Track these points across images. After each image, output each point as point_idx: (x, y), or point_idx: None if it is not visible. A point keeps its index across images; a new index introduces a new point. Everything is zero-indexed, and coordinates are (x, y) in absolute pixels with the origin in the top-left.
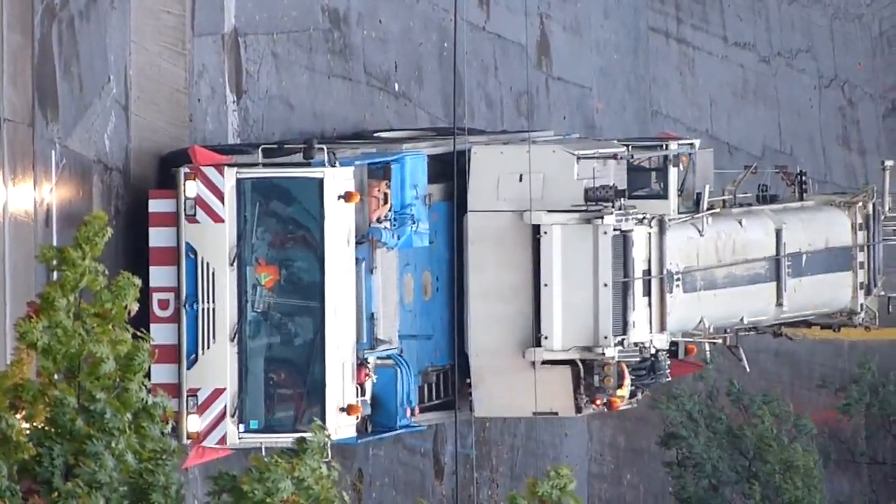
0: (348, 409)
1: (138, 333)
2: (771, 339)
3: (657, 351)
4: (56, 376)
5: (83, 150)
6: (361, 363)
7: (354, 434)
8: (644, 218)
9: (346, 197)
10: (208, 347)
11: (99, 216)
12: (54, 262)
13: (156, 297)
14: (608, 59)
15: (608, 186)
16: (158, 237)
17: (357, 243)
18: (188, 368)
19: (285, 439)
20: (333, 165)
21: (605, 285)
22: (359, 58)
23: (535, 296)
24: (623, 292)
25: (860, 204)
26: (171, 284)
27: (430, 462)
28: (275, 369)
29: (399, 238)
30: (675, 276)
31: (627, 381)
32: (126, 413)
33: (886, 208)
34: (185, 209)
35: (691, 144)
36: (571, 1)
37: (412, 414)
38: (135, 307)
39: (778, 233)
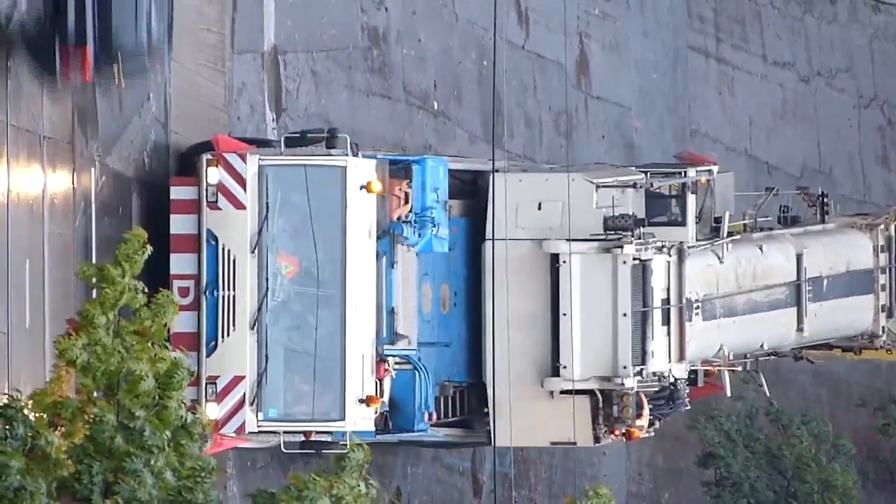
0: (367, 401)
1: (178, 350)
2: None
3: (676, 380)
4: (95, 394)
5: (122, 167)
6: (381, 359)
7: (372, 428)
8: (663, 246)
9: (368, 187)
10: (228, 335)
11: (138, 234)
12: (94, 280)
13: (176, 284)
14: (647, 79)
15: (627, 215)
16: (179, 224)
17: (378, 238)
18: (207, 356)
19: (304, 428)
20: (356, 155)
21: (625, 315)
22: (398, 76)
23: (553, 325)
24: (642, 322)
25: (882, 226)
26: (191, 272)
27: (469, 481)
28: (294, 358)
29: (420, 238)
30: (695, 305)
31: (646, 411)
32: (165, 431)
33: None
34: (206, 196)
35: (709, 170)
36: (611, 20)
37: (430, 419)
38: (174, 325)
39: (799, 258)
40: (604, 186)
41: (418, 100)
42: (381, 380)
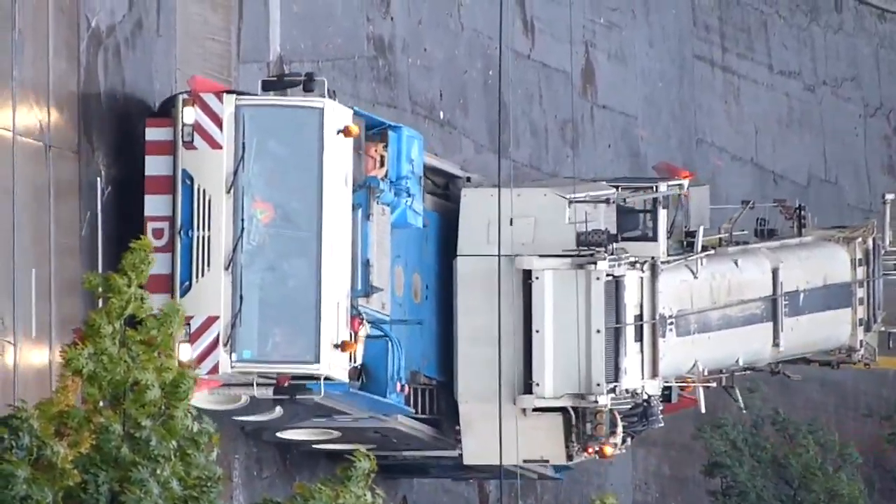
0: (342, 346)
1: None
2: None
3: (650, 396)
4: (101, 403)
5: (128, 176)
6: (356, 314)
7: (346, 379)
8: (636, 262)
9: (346, 131)
10: (202, 275)
11: (144, 243)
12: (100, 289)
13: (150, 226)
14: (653, 88)
15: (600, 231)
16: (154, 166)
17: (354, 190)
18: (181, 296)
19: (278, 370)
20: (333, 99)
21: (598, 331)
22: (404, 86)
23: (525, 342)
24: (615, 338)
25: (860, 239)
26: (166, 213)
27: (475, 490)
28: (269, 300)
29: (396, 201)
30: (668, 320)
31: (620, 428)
32: (171, 440)
33: (887, 242)
34: (182, 136)
35: (680, 184)
36: (616, 29)
37: (402, 390)
38: (181, 335)
39: (775, 272)
40: (576, 202)
41: (424, 109)
42: (355, 333)
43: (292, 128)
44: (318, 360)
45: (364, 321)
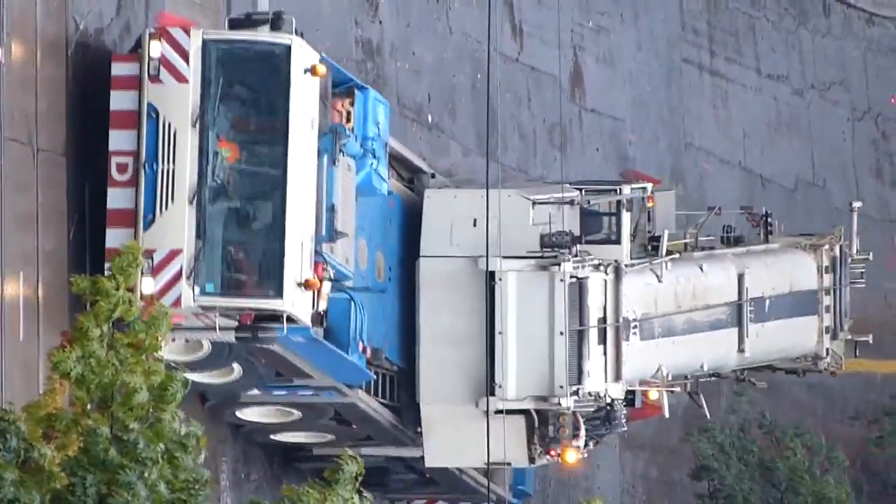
0: (305, 284)
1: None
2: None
3: (613, 400)
4: (89, 406)
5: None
6: (320, 260)
7: (309, 322)
8: (600, 265)
9: (313, 70)
10: (166, 208)
11: (133, 246)
12: (87, 292)
13: (114, 160)
14: (641, 92)
15: (564, 233)
16: (119, 100)
17: (320, 136)
18: (144, 230)
19: (241, 304)
20: (301, 37)
21: (561, 333)
22: (392, 89)
23: (488, 343)
24: (578, 341)
25: (826, 246)
26: (130, 148)
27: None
28: (234, 234)
29: (361, 166)
30: (632, 324)
31: (582, 431)
32: (159, 443)
33: (854, 250)
34: (148, 69)
35: (643, 188)
36: (605, 33)
37: (364, 351)
38: (168, 338)
39: (740, 277)
40: (540, 203)
41: (412, 112)
42: (319, 278)
43: (259, 64)
44: (280, 296)
45: (328, 267)
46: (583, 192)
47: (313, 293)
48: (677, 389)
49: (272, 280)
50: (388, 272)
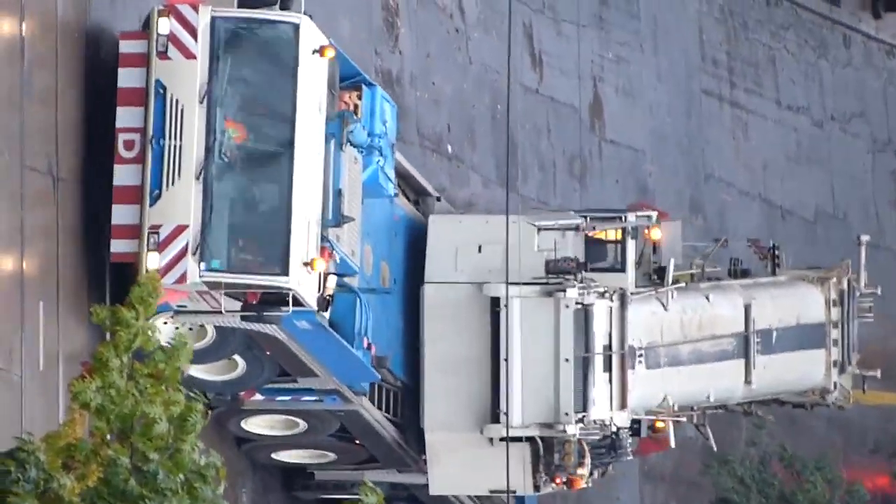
0: (311, 263)
1: (192, 395)
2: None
3: (618, 429)
4: (109, 436)
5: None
6: (326, 245)
7: (314, 306)
8: (605, 292)
9: (322, 51)
10: (172, 184)
11: (152, 277)
12: (107, 323)
13: (121, 137)
14: (661, 122)
15: (570, 259)
16: (127, 78)
17: (327, 121)
18: (151, 205)
19: (247, 280)
20: (311, 18)
21: (567, 360)
22: (412, 119)
23: (493, 370)
24: (583, 368)
25: (834, 279)
26: (137, 125)
27: None
28: (240, 211)
29: (367, 162)
30: (638, 352)
31: (588, 459)
32: (179, 474)
33: (862, 284)
34: (156, 46)
35: (648, 216)
36: (624, 64)
37: (369, 348)
38: (188, 368)
39: (747, 308)
40: (545, 229)
41: (432, 143)
42: (325, 263)
43: (268, 42)
44: (286, 273)
45: (334, 252)
46: (588, 219)
47: (319, 277)
48: (683, 420)
49: (278, 257)
50: (393, 285)
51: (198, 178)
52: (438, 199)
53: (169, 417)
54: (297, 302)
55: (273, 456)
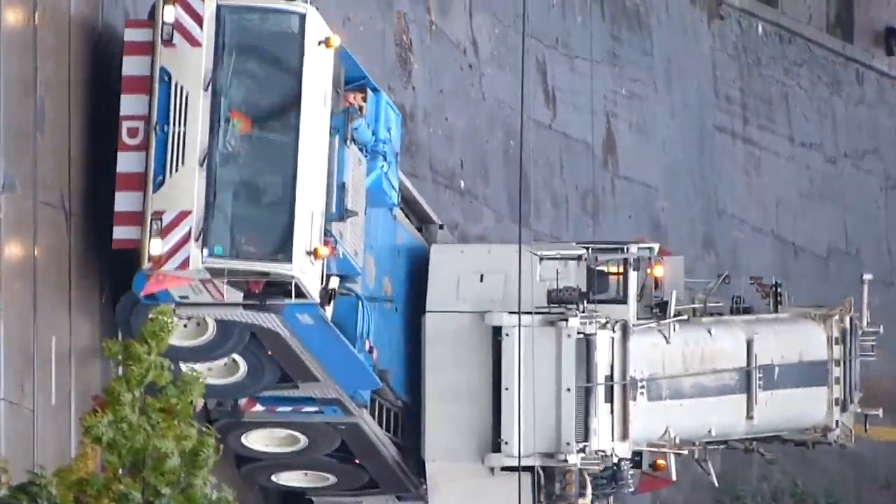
0: (314, 253)
1: (203, 429)
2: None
3: (620, 460)
4: (121, 471)
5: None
6: (329, 238)
7: (317, 298)
8: (608, 322)
9: (327, 42)
10: (176, 170)
11: (164, 311)
12: (119, 357)
13: (125, 124)
14: (674, 159)
15: (572, 288)
16: (132, 66)
17: (332, 114)
18: (154, 191)
19: (250, 267)
20: (316, 10)
21: (568, 390)
22: (424, 155)
23: (494, 399)
24: (585, 398)
25: (837, 317)
26: (141, 112)
27: None
28: (244, 198)
29: (371, 167)
30: (640, 384)
31: (589, 490)
32: None
33: (864, 323)
34: (162, 34)
35: (650, 248)
36: (638, 100)
37: (371, 351)
38: (200, 403)
39: (749, 343)
40: (547, 259)
41: (445, 178)
42: (329, 253)
43: (273, 31)
44: (290, 261)
45: (336, 248)
46: (590, 250)
47: (322, 269)
48: (685, 453)
49: (281, 244)
50: (394, 306)
51: (202, 165)
52: (441, 226)
53: (181, 452)
54: (299, 293)
55: (273, 479)
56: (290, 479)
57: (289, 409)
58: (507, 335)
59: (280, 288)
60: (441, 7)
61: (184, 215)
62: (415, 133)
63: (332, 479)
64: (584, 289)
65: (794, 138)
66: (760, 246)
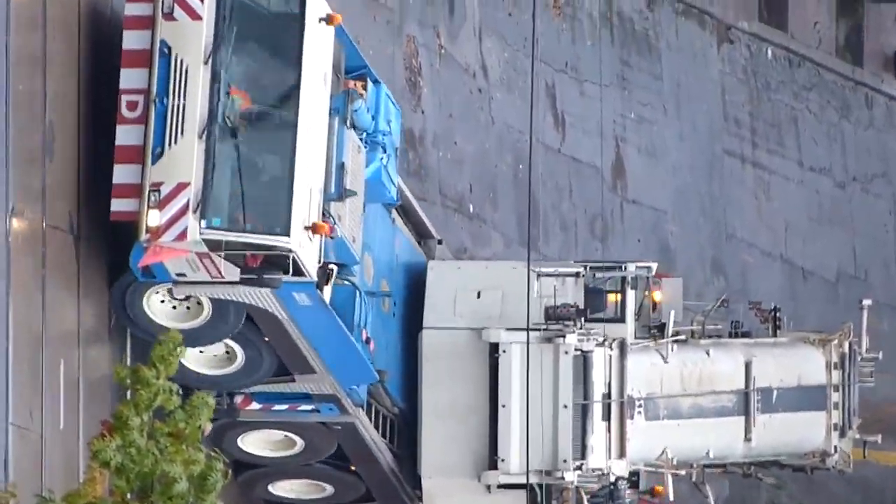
0: (313, 228)
1: (212, 454)
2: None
3: (617, 478)
4: (129, 495)
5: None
6: (327, 218)
7: (315, 277)
8: (605, 340)
9: (329, 19)
10: (175, 142)
11: (173, 336)
12: (128, 382)
13: (125, 98)
14: (683, 183)
15: (570, 305)
16: (132, 39)
17: (332, 96)
18: (153, 163)
19: (247, 239)
20: None
21: (565, 406)
22: (434, 179)
23: (491, 416)
24: (582, 416)
25: (836, 342)
26: (141, 86)
27: None
28: (243, 171)
29: (371, 158)
30: (637, 402)
31: None
32: None
33: (864, 349)
34: (162, 7)
35: (648, 267)
36: (647, 124)
37: (368, 342)
38: (208, 427)
39: (748, 365)
40: (545, 275)
41: (454, 202)
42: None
43: (274, 6)
44: (287, 234)
45: (335, 228)
46: (587, 268)
47: (320, 245)
48: (682, 473)
49: (280, 217)
50: (393, 307)
51: (201, 137)
52: (440, 242)
53: (189, 476)
54: (297, 270)
55: (270, 488)
56: (286, 489)
57: (285, 406)
58: (504, 352)
59: (277, 264)
60: (451, 31)
61: (182, 187)
62: (424, 157)
63: (328, 489)
64: (581, 306)
65: (804, 162)
66: (769, 270)
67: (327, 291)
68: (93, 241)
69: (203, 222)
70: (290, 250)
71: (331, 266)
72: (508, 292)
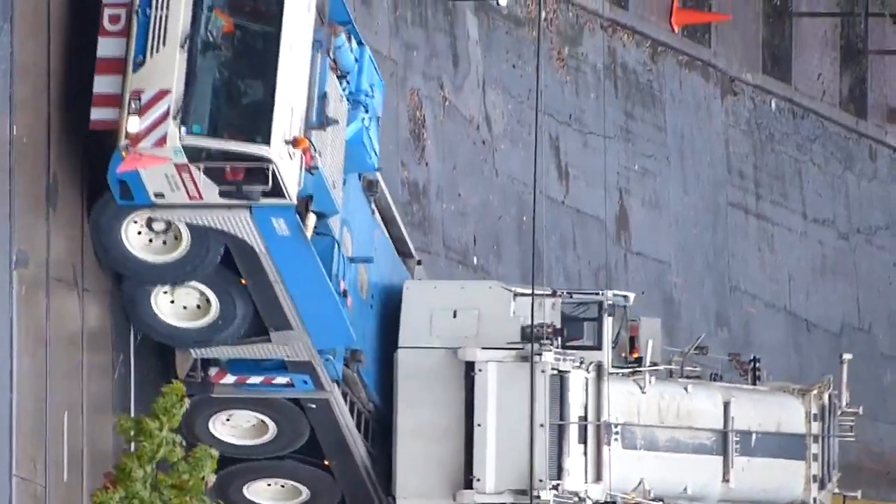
0: (294, 142)
1: None
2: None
3: (594, 503)
4: None
5: None
6: (308, 148)
7: (294, 199)
8: (582, 362)
9: None
10: (157, 51)
11: (176, 387)
12: (131, 433)
13: (107, 11)
14: (687, 234)
15: (546, 324)
16: None
17: (316, 29)
18: (134, 71)
19: (227, 147)
20: None
21: (542, 426)
22: (437, 231)
23: (467, 435)
24: (559, 437)
25: (815, 393)
26: (123, 0)
27: None
28: (224, 80)
29: (352, 117)
30: (614, 429)
31: None
32: None
33: (843, 402)
34: None
35: (625, 296)
36: (651, 175)
37: (345, 295)
38: (212, 479)
39: (726, 406)
40: (521, 295)
41: (458, 254)
42: (308, 166)
43: None
44: (268, 143)
45: (315, 155)
46: (564, 292)
47: (300, 164)
48: None
49: (260, 126)
50: (371, 298)
51: (182, 47)
52: (419, 262)
53: None
54: (276, 189)
55: (245, 492)
56: (260, 492)
57: (260, 379)
58: (479, 370)
59: (257, 179)
60: (454, 83)
61: (163, 94)
62: (428, 209)
63: (305, 492)
64: (558, 325)
65: (807, 214)
66: (773, 322)
67: (310, 227)
68: (97, 293)
69: (183, 129)
70: (270, 160)
71: (311, 195)
72: (485, 313)
